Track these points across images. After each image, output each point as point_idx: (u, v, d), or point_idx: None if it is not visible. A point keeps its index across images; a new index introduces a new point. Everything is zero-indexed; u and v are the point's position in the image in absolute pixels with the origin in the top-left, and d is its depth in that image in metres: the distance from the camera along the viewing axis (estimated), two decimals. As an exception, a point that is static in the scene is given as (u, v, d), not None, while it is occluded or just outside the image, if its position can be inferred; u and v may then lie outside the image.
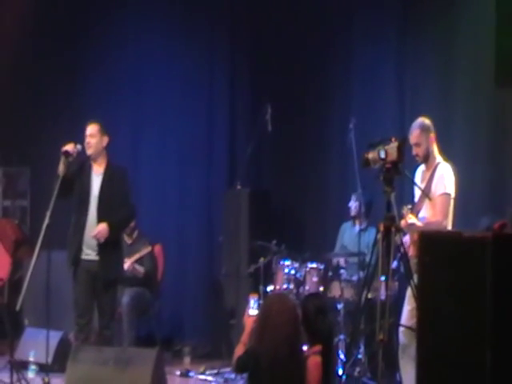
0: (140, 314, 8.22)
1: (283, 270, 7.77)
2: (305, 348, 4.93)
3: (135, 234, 8.43)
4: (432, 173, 6.05)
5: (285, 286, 7.71)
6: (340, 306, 7.58)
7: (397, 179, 5.66)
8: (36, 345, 7.52)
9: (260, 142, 8.62)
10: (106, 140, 6.81)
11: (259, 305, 5.39)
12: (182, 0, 9.61)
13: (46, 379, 6.58)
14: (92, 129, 6.78)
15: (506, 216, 6.56)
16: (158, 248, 8.57)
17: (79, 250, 6.65)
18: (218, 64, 9.41)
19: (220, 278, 8.94)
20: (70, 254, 6.70)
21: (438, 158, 6.11)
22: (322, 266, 7.76)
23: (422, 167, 6.19)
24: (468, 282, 4.00)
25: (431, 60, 8.04)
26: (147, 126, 9.63)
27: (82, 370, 6.12)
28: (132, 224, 7.83)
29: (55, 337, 7.59)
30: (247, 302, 5.28)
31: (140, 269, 8.20)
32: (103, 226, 6.58)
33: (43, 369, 7.11)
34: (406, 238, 5.88)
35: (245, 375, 5.08)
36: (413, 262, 5.50)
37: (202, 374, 7.88)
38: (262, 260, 7.99)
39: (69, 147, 6.55)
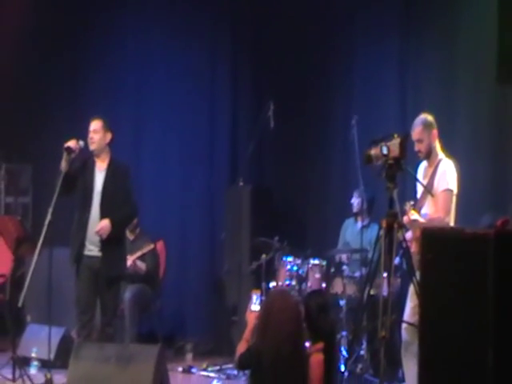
0: (142, 310, 8.21)
1: (285, 266, 7.78)
2: (307, 345, 4.93)
3: (138, 231, 8.43)
4: (434, 169, 6.04)
5: (287, 283, 7.72)
6: (342, 303, 7.58)
7: (399, 175, 5.63)
8: (38, 341, 7.53)
9: (262, 139, 8.61)
10: (109, 136, 6.81)
11: (261, 301, 5.38)
12: (183, -1, 9.64)
13: (48, 375, 6.60)
14: (96, 124, 6.78)
15: (508, 213, 6.55)
16: (160, 244, 8.57)
17: (82, 245, 6.65)
18: (220, 61, 9.41)
19: (222, 275, 8.95)
20: (72, 251, 6.70)
21: (441, 154, 6.10)
22: (324, 263, 7.76)
23: (424, 163, 6.18)
24: (470, 278, 3.99)
25: (433, 57, 8.04)
26: (149, 123, 9.63)
27: (84, 366, 6.13)
28: (134, 221, 7.84)
29: (57, 333, 7.60)
30: (249, 299, 5.27)
31: (142, 266, 8.20)
32: (106, 223, 6.58)
33: (45, 365, 7.13)
34: (409, 235, 5.88)
35: (247, 372, 5.09)
36: (415, 258, 5.49)
37: (205, 370, 7.89)
38: (264, 257, 7.99)
39: (71, 143, 6.56)
